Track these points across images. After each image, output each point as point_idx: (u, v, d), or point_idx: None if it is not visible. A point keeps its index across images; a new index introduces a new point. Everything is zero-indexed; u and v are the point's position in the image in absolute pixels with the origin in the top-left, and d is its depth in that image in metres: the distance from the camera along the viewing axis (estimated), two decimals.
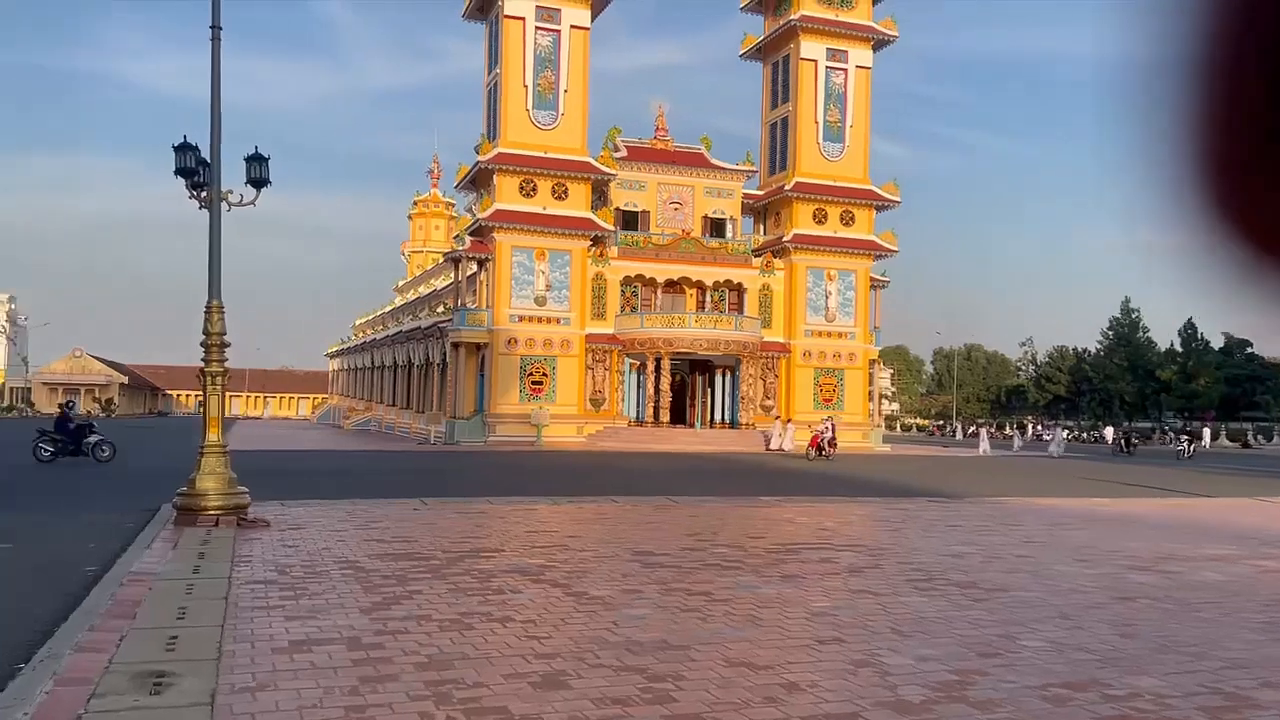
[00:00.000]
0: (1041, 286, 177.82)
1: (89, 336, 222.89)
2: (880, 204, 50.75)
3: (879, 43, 51.03)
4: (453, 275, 48.48)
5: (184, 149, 12.19)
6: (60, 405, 26.51)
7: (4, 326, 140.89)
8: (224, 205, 12.56)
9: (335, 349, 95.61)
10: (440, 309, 53.87)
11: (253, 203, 12.86)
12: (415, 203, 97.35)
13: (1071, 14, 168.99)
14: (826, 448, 33.53)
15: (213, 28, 12.51)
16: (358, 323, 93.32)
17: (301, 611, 7.07)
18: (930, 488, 22.09)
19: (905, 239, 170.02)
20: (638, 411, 46.91)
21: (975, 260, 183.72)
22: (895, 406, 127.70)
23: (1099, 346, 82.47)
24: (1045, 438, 75.58)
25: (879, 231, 51.00)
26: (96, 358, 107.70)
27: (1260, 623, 7.47)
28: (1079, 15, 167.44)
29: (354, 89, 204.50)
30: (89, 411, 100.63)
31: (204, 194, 12.49)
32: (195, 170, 12.27)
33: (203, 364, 12.47)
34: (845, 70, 50.37)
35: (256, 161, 12.77)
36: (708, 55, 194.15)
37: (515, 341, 44.59)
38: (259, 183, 12.80)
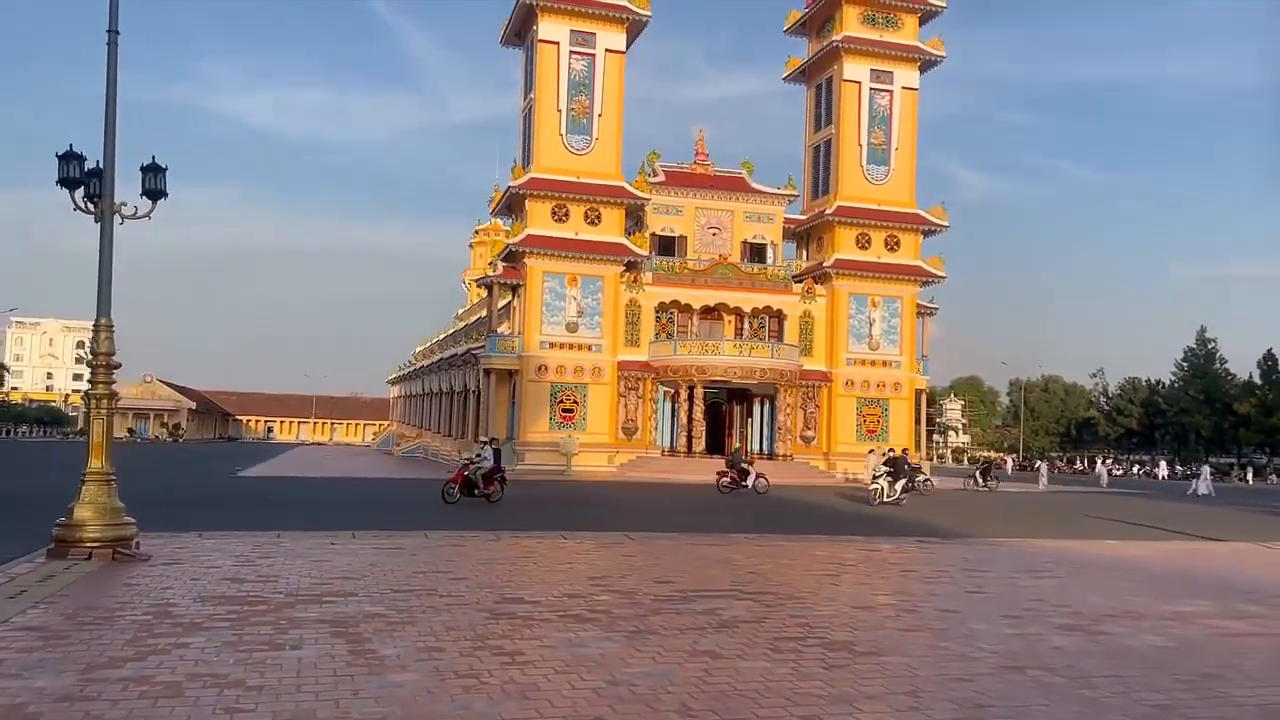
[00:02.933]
0: (1115, 316, 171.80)
1: (170, 363, 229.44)
2: (928, 228, 49.05)
3: (926, 64, 49.51)
4: (487, 301, 48.09)
5: (68, 158, 11.61)
6: None
7: (87, 354, 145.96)
8: (117, 218, 11.96)
9: (394, 375, 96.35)
10: (476, 336, 53.54)
11: (148, 215, 12.25)
12: (476, 231, 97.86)
13: (1161, 44, 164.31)
14: (479, 485, 22.60)
15: (110, 32, 12.00)
16: (416, 350, 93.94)
17: (12, 669, 6.21)
18: (935, 527, 20.57)
19: (979, 267, 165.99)
20: (671, 441, 45.79)
21: (1048, 289, 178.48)
22: (966, 439, 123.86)
23: (1174, 378, 78.64)
24: (1117, 472, 71.90)
25: (926, 256, 49.27)
26: (165, 383, 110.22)
27: (1149, 707, 6.14)
28: (1167, 46, 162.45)
29: (436, 121, 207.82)
30: (156, 437, 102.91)
31: (97, 205, 11.90)
32: (80, 181, 11.68)
33: (88, 385, 11.83)
34: (890, 91, 48.93)
35: (153, 172, 12.17)
36: (753, 79, 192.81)
37: (545, 368, 43.90)
38: (155, 194, 12.19)
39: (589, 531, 16.51)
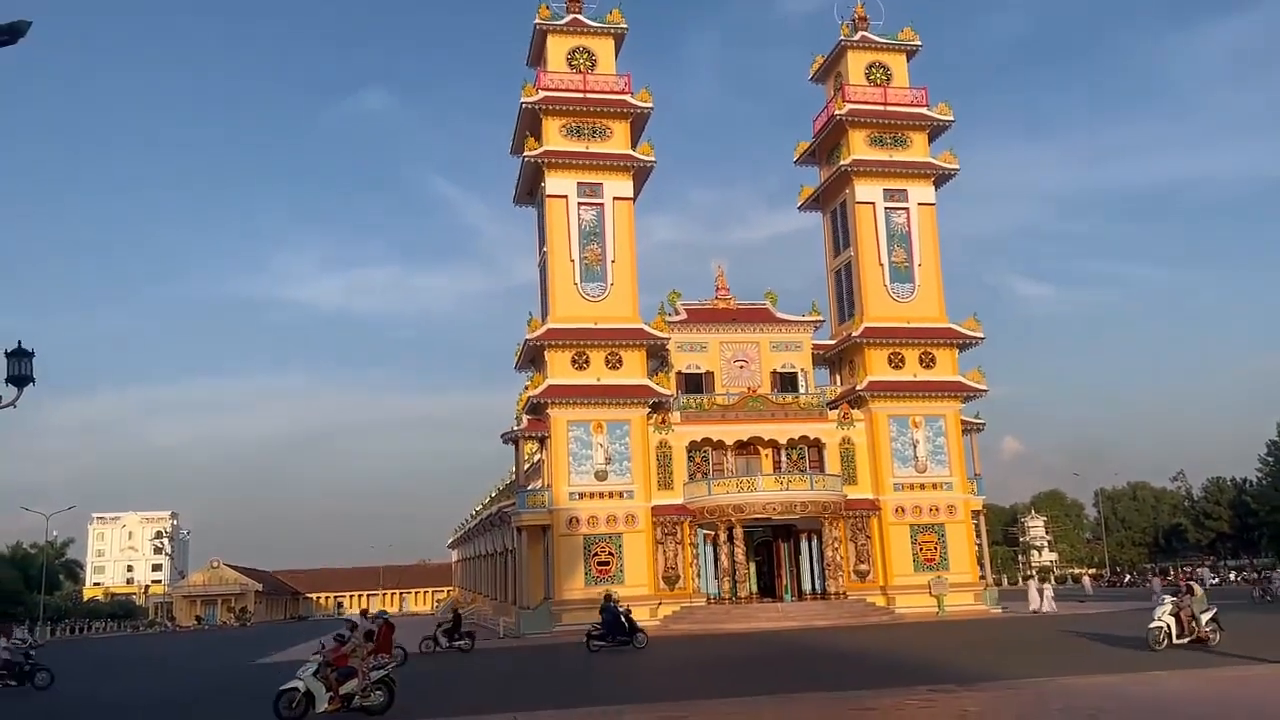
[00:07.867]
0: (1193, 415, 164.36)
1: (241, 547, 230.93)
2: (963, 342, 47.38)
3: (941, 178, 48.92)
4: (515, 457, 47.16)
5: None
6: None
7: (163, 544, 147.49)
8: None
9: (452, 539, 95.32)
10: (510, 494, 52.48)
11: (13, 404, 11.53)
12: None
13: (1208, 141, 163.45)
14: None
15: None
16: (471, 512, 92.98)
17: None
18: (959, 669, 18.42)
19: (1051, 380, 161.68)
20: (716, 587, 43.52)
21: (1123, 395, 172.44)
22: (1053, 557, 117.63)
23: (1259, 474, 74.09)
24: (1212, 580, 66.94)
25: (965, 370, 47.42)
26: (232, 566, 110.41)
27: None
28: (1220, 141, 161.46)
29: (496, 286, 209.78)
30: (225, 622, 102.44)
31: None
32: None
33: None
34: (906, 209, 48.25)
35: (19, 357, 11.50)
36: (770, 212, 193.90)
37: (577, 521, 42.44)
38: (21, 380, 11.49)
39: (526, 712, 14.88)
